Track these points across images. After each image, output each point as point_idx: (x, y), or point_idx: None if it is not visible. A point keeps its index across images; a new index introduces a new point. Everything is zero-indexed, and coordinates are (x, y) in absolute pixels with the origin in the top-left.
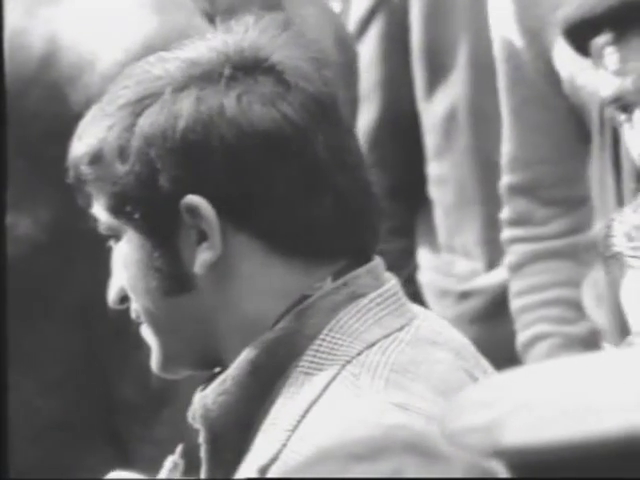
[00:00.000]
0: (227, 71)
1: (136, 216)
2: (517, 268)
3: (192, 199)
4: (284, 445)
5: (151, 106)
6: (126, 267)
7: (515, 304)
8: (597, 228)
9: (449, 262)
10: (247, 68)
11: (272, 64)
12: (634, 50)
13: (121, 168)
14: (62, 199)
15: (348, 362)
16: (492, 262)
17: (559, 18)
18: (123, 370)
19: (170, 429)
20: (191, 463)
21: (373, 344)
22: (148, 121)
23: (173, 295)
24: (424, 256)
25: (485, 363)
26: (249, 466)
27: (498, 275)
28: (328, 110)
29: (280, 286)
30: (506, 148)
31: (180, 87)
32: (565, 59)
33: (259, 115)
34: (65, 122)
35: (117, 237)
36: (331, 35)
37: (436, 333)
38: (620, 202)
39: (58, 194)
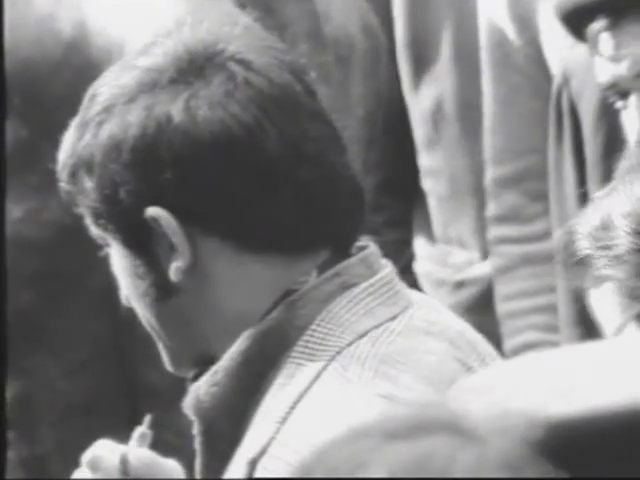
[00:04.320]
0: (175, 76)
1: (110, 228)
2: (505, 271)
3: (152, 211)
4: (273, 438)
5: (109, 118)
6: (118, 274)
7: (502, 308)
8: (556, 236)
9: (445, 252)
10: (196, 69)
11: (222, 61)
12: (629, 36)
13: (90, 183)
14: None
15: (338, 353)
16: (488, 251)
17: (554, 4)
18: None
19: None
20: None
21: (363, 335)
22: (106, 134)
23: (160, 300)
24: (420, 247)
25: (484, 350)
26: (240, 458)
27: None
28: (282, 101)
29: (260, 283)
30: (492, 140)
31: (133, 97)
32: (554, 45)
33: (206, 119)
34: None
35: (107, 244)
36: (357, 21)
37: (430, 323)
38: (584, 196)
39: None
